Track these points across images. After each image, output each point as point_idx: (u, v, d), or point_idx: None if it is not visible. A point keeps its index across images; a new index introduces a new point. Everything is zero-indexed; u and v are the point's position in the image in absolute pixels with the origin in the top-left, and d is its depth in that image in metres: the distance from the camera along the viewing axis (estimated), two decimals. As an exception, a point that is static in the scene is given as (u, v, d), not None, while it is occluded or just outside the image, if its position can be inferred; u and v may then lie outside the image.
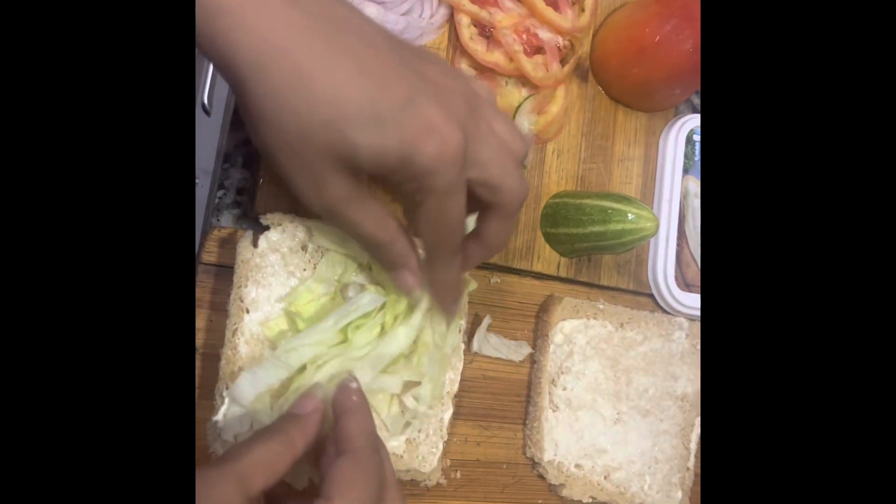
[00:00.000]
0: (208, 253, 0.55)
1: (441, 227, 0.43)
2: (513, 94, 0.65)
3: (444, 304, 0.51)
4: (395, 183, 0.41)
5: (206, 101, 0.88)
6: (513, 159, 0.44)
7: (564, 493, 0.62)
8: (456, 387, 0.57)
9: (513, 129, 0.45)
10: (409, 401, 0.53)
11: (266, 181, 0.56)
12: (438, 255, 0.46)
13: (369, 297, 0.50)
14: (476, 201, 0.44)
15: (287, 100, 0.37)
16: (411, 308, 0.51)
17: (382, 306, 0.50)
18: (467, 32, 0.63)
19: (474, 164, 0.42)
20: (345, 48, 0.38)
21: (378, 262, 0.49)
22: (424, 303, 0.51)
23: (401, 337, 0.50)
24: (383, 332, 0.51)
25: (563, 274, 0.67)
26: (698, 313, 0.70)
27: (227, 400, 0.48)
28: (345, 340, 0.50)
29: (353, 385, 0.45)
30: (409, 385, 0.53)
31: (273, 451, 0.39)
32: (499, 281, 0.64)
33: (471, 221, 0.48)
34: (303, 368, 0.48)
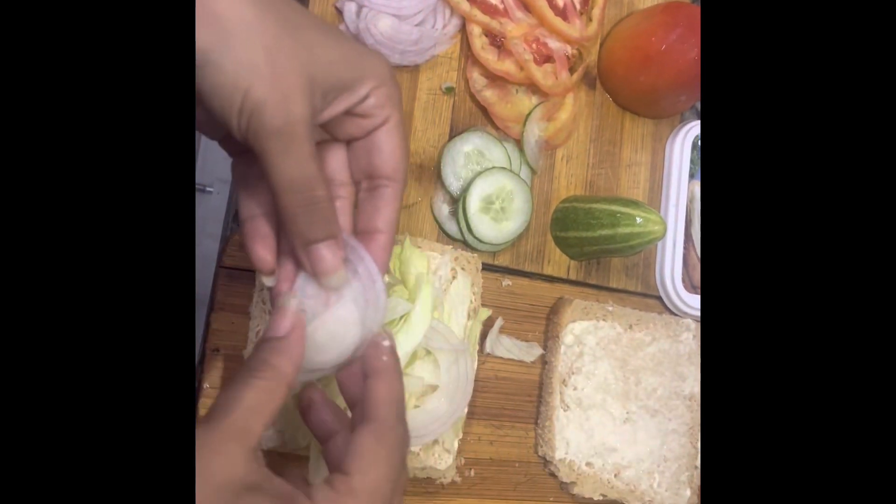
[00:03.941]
0: (229, 257, 0.56)
1: None
2: (523, 102, 0.67)
3: None
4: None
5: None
6: None
7: (575, 490, 0.64)
8: (470, 387, 0.58)
9: None
10: None
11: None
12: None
13: (395, 303, 0.51)
14: None
15: None
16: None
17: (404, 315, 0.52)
18: (479, 42, 0.64)
19: None
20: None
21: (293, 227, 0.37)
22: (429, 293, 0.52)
23: (416, 327, 0.51)
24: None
25: (572, 277, 0.69)
26: (705, 315, 0.71)
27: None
28: None
29: (386, 343, 0.39)
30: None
31: (263, 389, 0.34)
32: (510, 284, 0.65)
33: None
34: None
